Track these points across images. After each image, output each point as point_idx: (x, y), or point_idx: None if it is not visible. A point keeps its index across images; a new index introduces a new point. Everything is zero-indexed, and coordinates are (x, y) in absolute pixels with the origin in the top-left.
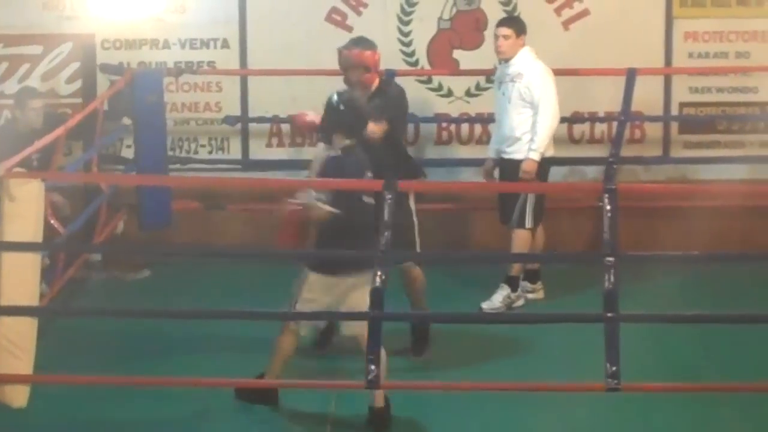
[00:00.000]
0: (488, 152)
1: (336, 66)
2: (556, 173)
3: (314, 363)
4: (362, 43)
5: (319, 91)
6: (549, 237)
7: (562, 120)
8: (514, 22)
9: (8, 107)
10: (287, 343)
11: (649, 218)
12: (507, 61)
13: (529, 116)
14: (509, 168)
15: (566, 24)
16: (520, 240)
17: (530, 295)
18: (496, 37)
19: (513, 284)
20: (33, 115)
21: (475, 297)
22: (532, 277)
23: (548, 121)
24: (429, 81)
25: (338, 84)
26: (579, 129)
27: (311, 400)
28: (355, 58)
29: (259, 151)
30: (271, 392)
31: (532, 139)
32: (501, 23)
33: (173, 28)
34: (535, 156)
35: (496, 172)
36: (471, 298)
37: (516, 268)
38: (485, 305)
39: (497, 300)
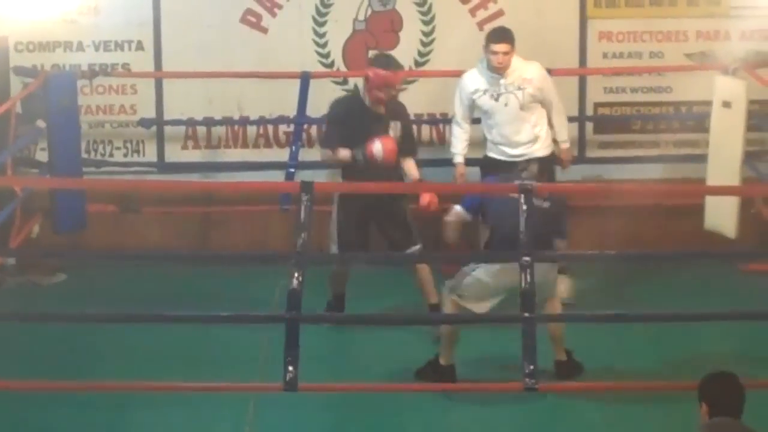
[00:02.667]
0: (458, 158)
1: (251, 68)
2: (471, 173)
3: (235, 364)
4: (395, 62)
5: (235, 93)
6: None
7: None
8: (511, 36)
9: None
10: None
11: None
12: (502, 74)
13: (543, 114)
14: (540, 166)
15: (481, 24)
16: None
17: None
18: (495, 53)
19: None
20: None
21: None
22: None
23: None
24: (345, 82)
25: (253, 85)
26: None
27: (229, 404)
28: (396, 79)
29: (174, 153)
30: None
31: (561, 132)
32: (498, 39)
33: (87, 30)
34: (569, 144)
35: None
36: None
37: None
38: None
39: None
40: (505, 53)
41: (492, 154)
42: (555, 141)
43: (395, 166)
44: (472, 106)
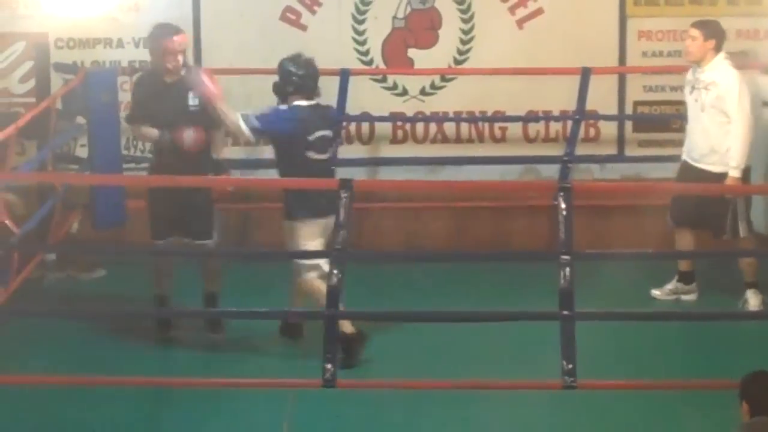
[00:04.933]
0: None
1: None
2: (511, 172)
3: (275, 360)
4: (172, 28)
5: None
6: (504, 235)
7: (517, 119)
8: (704, 25)
9: None
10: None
11: (603, 216)
12: (699, 65)
13: (724, 125)
14: (704, 179)
15: (520, 23)
16: (749, 246)
17: (685, 297)
18: (687, 38)
19: (756, 286)
20: None
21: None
22: (687, 278)
23: (743, 136)
24: (384, 80)
25: None
26: (534, 128)
27: (268, 400)
28: (183, 44)
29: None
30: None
31: (731, 156)
32: (691, 24)
33: (127, 27)
34: (737, 173)
35: None
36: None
37: (751, 274)
38: (655, 292)
39: (755, 304)
40: (692, 38)
41: (684, 156)
42: None
43: (204, 149)
44: None
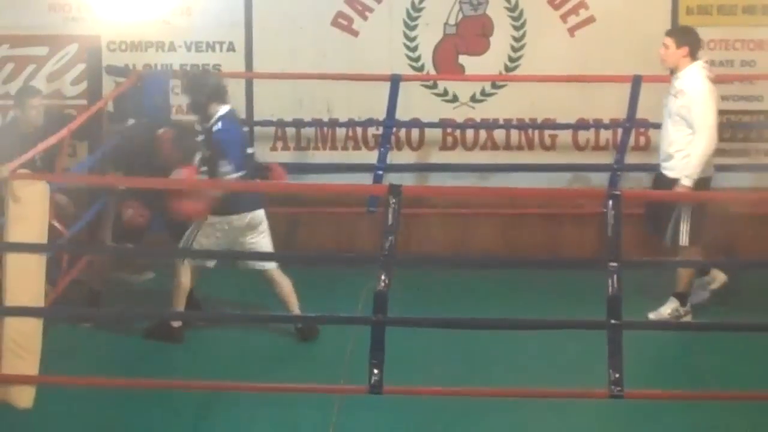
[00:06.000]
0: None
1: (342, 70)
2: (560, 179)
3: (319, 367)
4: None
5: (324, 95)
6: (553, 243)
7: (567, 126)
8: (676, 33)
9: (10, 107)
10: (186, 278)
11: None
12: (674, 72)
13: (686, 135)
14: (662, 183)
15: (572, 30)
16: (689, 255)
17: (684, 319)
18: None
19: (682, 299)
20: (33, 113)
21: (474, 302)
22: (683, 299)
23: (704, 148)
24: (434, 86)
25: (343, 87)
26: (584, 135)
27: (313, 405)
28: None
29: (264, 154)
30: (177, 331)
31: (686, 164)
32: (666, 32)
33: (179, 30)
34: (688, 183)
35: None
36: (472, 303)
37: (682, 284)
38: (652, 315)
39: (665, 311)
40: (666, 47)
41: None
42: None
43: None
44: None
